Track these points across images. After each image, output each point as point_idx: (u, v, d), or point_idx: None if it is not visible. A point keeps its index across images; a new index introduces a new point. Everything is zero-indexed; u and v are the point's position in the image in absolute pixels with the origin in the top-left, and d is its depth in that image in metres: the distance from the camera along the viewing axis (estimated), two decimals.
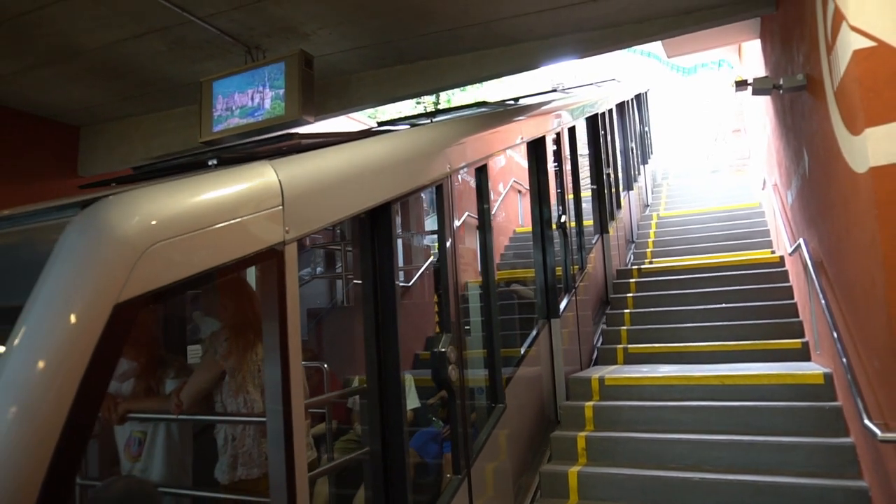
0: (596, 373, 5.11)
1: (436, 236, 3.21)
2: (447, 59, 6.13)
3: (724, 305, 6.17)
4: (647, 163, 11.52)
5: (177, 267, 1.62)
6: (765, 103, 6.91)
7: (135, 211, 1.59)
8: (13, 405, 1.27)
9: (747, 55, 8.56)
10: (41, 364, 1.32)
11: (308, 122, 5.47)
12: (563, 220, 5.28)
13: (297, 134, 2.79)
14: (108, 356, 1.42)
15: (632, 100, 10.60)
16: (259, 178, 1.99)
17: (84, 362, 1.36)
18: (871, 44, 2.79)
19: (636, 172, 10.05)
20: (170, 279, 1.58)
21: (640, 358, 5.73)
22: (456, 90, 13.88)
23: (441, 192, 3.20)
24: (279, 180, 2.02)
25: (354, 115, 10.14)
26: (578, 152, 6.47)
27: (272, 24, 5.36)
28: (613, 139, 8.61)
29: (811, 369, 4.50)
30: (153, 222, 1.60)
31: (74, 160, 7.91)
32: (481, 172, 3.83)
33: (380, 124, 3.58)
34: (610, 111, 8.48)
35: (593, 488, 4.01)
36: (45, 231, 1.65)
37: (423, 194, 2.88)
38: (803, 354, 5.17)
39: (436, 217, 3.22)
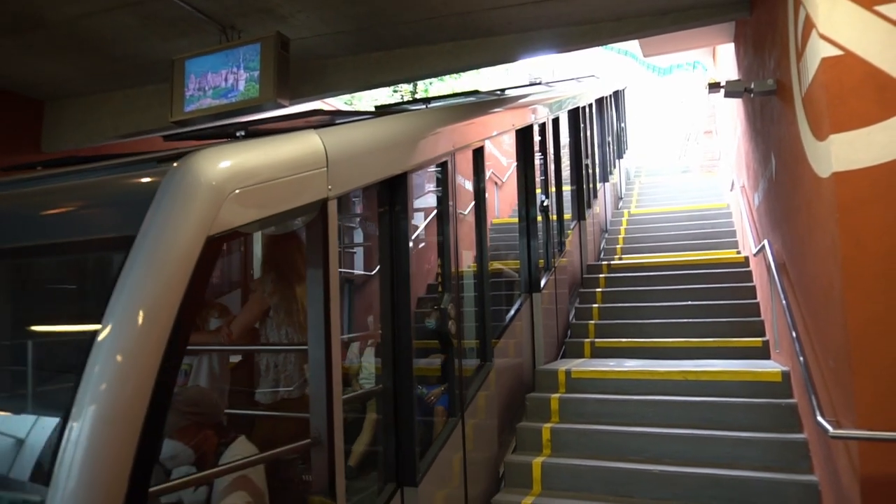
0: (563, 365, 5.18)
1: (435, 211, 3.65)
2: (426, 48, 6.10)
3: (689, 303, 6.30)
4: (622, 157, 11.98)
5: (251, 210, 2.03)
6: (736, 106, 7.05)
7: (221, 163, 1.99)
8: (136, 311, 1.67)
9: (721, 58, 8.71)
10: (154, 281, 1.71)
11: (282, 106, 5.39)
12: (545, 204, 5.72)
13: (321, 111, 3.21)
14: (202, 279, 1.80)
15: (610, 96, 10.98)
16: (309, 145, 2.41)
17: (185, 281, 1.74)
18: (838, 52, 2.86)
19: (612, 166, 10.49)
20: (247, 219, 2.00)
21: (607, 352, 5.82)
22: (433, 80, 13.86)
23: (445, 169, 3.67)
24: (324, 147, 2.44)
25: (329, 100, 10.03)
26: (560, 143, 6.81)
27: (249, 4, 5.25)
28: (592, 132, 8.96)
29: (770, 367, 4.63)
30: (235, 172, 2.01)
31: (38, 135, 7.66)
32: (478, 153, 4.29)
33: (377, 108, 3.94)
34: (590, 105, 8.80)
35: (557, 479, 4.08)
36: (145, 178, 2.04)
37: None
38: (763, 353, 5.32)
39: (434, 194, 3.67)
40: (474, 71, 6.63)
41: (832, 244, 2.90)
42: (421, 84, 14.74)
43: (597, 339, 6.02)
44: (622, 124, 12.44)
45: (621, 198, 11.52)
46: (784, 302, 3.99)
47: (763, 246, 4.98)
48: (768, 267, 4.64)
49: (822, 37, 2.91)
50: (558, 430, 4.43)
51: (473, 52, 5.95)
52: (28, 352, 2.27)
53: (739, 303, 6.13)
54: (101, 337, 1.64)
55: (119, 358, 1.62)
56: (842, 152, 2.81)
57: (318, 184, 2.35)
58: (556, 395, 4.75)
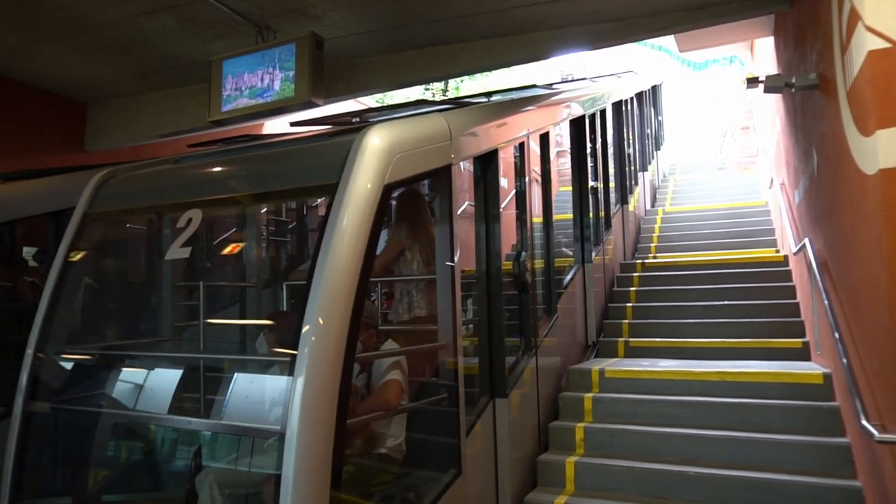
0: (596, 365, 5.13)
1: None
2: (458, 46, 6.10)
3: (726, 303, 6.17)
4: (659, 149, 12.52)
5: (407, 169, 2.85)
6: (775, 101, 6.88)
7: (389, 134, 2.82)
8: (343, 236, 2.46)
9: (759, 52, 8.50)
10: (353, 213, 2.52)
11: (317, 105, 5.46)
12: (595, 186, 6.31)
13: (427, 101, 4.05)
14: (381, 213, 2.61)
15: (648, 90, 11.43)
16: (439, 124, 3.22)
17: (372, 213, 2.55)
18: (886, 45, 2.77)
19: (651, 156, 11.10)
20: (404, 176, 2.84)
21: (641, 352, 5.75)
22: (464, 78, 13.85)
23: (522, 149, 4.37)
24: (448, 126, 3.23)
25: (362, 99, 10.10)
26: (606, 133, 7.35)
27: (284, 4, 5.33)
28: (633, 124, 9.49)
29: (811, 369, 4.51)
30: (397, 142, 2.82)
31: (81, 135, 7.90)
32: (544, 138, 4.92)
33: (446, 101, 4.47)
34: (630, 99, 9.29)
35: (590, 479, 4.04)
36: (339, 143, 2.88)
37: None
38: (803, 354, 5.18)
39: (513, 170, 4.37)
40: (505, 69, 6.61)
41: (878, 242, 2.82)
42: (451, 83, 14.76)
43: (631, 339, 5.95)
44: (659, 118, 12.92)
45: (658, 187, 11.51)
46: (826, 302, 3.89)
47: (804, 244, 4.85)
48: (809, 266, 4.52)
49: (869, 29, 2.82)
50: (592, 430, 4.39)
51: (506, 49, 5.94)
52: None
53: (778, 303, 5.98)
54: (323, 256, 2.43)
55: (335, 270, 2.41)
56: (889, 148, 2.72)
57: (445, 153, 3.17)
58: (590, 395, 4.71)
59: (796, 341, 5.31)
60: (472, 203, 3.72)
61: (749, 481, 3.68)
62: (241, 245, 4.71)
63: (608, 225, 7.05)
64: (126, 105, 7.71)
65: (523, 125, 4.40)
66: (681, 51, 8.08)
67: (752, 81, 5.09)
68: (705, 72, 17.07)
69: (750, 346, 5.40)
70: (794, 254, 5.60)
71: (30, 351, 3.22)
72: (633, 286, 7.02)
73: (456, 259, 3.16)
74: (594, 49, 6.00)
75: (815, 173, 4.43)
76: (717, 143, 15.64)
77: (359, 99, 9.20)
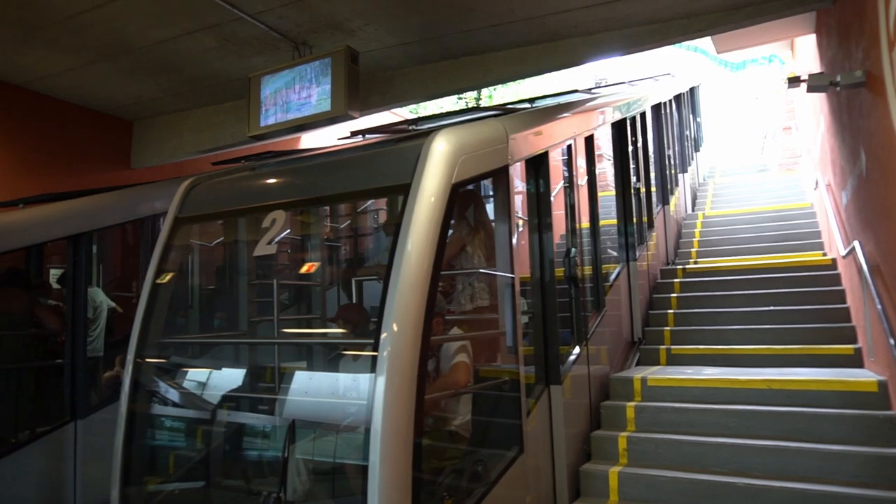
0: (638, 373, 5.04)
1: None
2: (491, 55, 6.12)
3: (771, 308, 6.00)
4: (698, 150, 12.60)
5: (470, 170, 3.08)
6: (819, 100, 6.69)
7: (454, 138, 3.05)
8: (418, 230, 2.70)
9: (801, 51, 8.29)
10: (425, 210, 2.76)
11: (353, 118, 5.53)
12: (637, 186, 6.46)
13: (480, 108, 4.46)
14: (450, 210, 2.86)
15: (686, 92, 11.55)
16: (497, 129, 3.46)
17: (442, 210, 2.79)
18: None
19: (690, 157, 11.17)
20: (468, 176, 3.07)
21: (684, 359, 5.62)
22: (497, 87, 13.86)
23: (570, 151, 4.56)
24: (505, 129, 3.47)
25: (397, 111, 10.20)
26: (647, 135, 7.51)
27: (319, 20, 5.44)
28: (672, 126, 9.59)
29: (864, 376, 4.35)
30: (462, 146, 3.05)
31: (128, 153, 8.17)
32: (588, 141, 5.08)
33: (492, 108, 4.47)
34: (669, 101, 9.36)
35: (634, 489, 3.96)
36: (410, 148, 3.14)
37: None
38: (856, 361, 5.00)
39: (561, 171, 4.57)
40: (538, 76, 6.60)
41: None
42: (485, 91, 14.78)
43: (673, 346, 5.83)
44: (697, 119, 13.03)
45: (697, 190, 11.33)
46: (879, 306, 3.74)
47: (853, 247, 4.70)
48: (860, 269, 4.36)
49: None
50: (635, 440, 4.30)
51: (539, 57, 5.93)
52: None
53: (827, 308, 5.79)
54: (400, 250, 2.69)
55: (411, 264, 2.65)
56: None
57: (503, 154, 3.40)
58: (632, 404, 4.63)
59: (847, 347, 5.12)
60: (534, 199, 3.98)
61: (801, 493, 3.55)
62: (321, 243, 5.27)
63: (650, 225, 7.17)
64: (169, 122, 7.95)
65: (570, 128, 4.62)
66: (718, 52, 7.93)
67: (794, 81, 4.96)
68: (743, 72, 16.71)
69: (798, 353, 5.23)
70: (843, 257, 5.42)
71: (130, 355, 3.56)
72: (673, 292, 6.89)
73: (514, 254, 3.41)
74: (628, 53, 5.94)
75: (864, 173, 4.28)
76: (757, 145, 15.27)
77: (393, 111, 9.31)
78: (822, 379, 4.35)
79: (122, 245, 6.52)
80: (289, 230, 3.87)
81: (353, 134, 3.99)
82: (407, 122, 3.96)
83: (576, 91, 5.97)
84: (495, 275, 3.62)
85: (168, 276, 3.74)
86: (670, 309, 6.56)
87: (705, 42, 12.00)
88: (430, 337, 2.66)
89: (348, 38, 5.69)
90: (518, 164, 3.63)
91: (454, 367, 3.37)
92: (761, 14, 5.18)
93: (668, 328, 6.18)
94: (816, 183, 7.64)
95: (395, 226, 2.81)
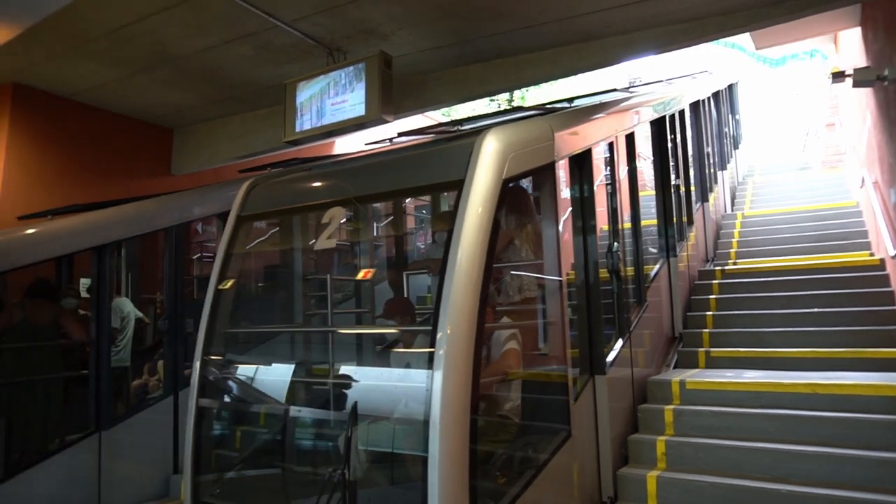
0: (676, 376, 4.95)
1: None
2: (524, 57, 6.11)
3: (815, 310, 5.82)
4: (737, 148, 12.37)
5: (519, 167, 3.20)
6: (865, 96, 6.48)
7: (504, 136, 3.17)
8: (473, 222, 2.85)
9: (845, 45, 8.04)
10: (478, 205, 2.90)
11: (386, 122, 5.59)
12: (677, 183, 6.48)
13: (521, 107, 4.51)
14: (501, 204, 3.00)
15: (725, 89, 11.34)
16: (543, 127, 3.56)
17: (494, 204, 2.93)
18: None
19: (729, 155, 11.04)
20: (517, 172, 3.19)
21: (724, 362, 5.49)
22: (530, 88, 13.79)
23: (611, 149, 4.65)
24: (550, 127, 3.57)
25: (429, 114, 10.25)
26: (686, 133, 7.49)
27: (353, 26, 5.51)
28: (710, 123, 9.55)
29: None
30: (511, 143, 3.17)
31: (168, 160, 8.41)
32: (629, 138, 5.14)
33: (523, 108, 4.54)
34: (707, 99, 9.31)
35: (673, 494, 3.88)
36: (463, 146, 3.22)
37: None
38: None
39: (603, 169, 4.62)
40: (571, 77, 6.58)
41: None
42: (517, 93, 14.74)
43: (712, 349, 5.70)
44: (736, 117, 12.81)
45: (736, 189, 11.08)
46: None
47: None
48: None
49: None
50: (673, 444, 4.22)
51: (572, 57, 5.90)
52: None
53: (875, 310, 5.58)
54: (455, 242, 2.83)
55: (466, 255, 2.80)
56: None
57: (549, 151, 3.50)
58: (671, 407, 4.54)
59: None
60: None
61: (848, 501, 3.43)
62: (371, 241, 5.55)
63: (690, 222, 7.17)
64: (207, 130, 8.15)
65: (611, 126, 4.68)
66: (757, 48, 7.76)
67: (838, 76, 4.83)
68: (783, 68, 16.30)
69: (844, 357, 5.06)
70: (893, 257, 5.23)
71: (199, 345, 3.75)
72: (712, 294, 6.74)
73: (560, 248, 3.55)
74: (664, 52, 5.87)
75: None
76: (799, 142, 14.85)
77: (426, 114, 9.35)
78: (870, 383, 4.20)
79: (149, 255, 6.61)
80: (345, 226, 4.17)
81: (401, 135, 4.17)
82: (452, 122, 4.12)
83: (614, 90, 5.97)
84: (542, 267, 3.74)
85: (231, 272, 3.94)
86: (709, 311, 6.42)
87: (743, 38, 11.76)
88: (483, 325, 2.78)
89: (382, 42, 5.75)
90: (563, 161, 3.72)
91: (505, 353, 3.48)
92: (802, 8, 5.05)
93: (706, 330, 6.05)
94: (863, 180, 7.40)
95: (450, 219, 2.96)
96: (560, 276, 3.52)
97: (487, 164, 3.01)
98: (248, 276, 4.53)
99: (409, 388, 3.35)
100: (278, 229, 4.90)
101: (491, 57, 6.19)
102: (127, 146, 7.79)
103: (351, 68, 5.59)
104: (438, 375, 2.62)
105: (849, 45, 7.42)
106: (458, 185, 2.99)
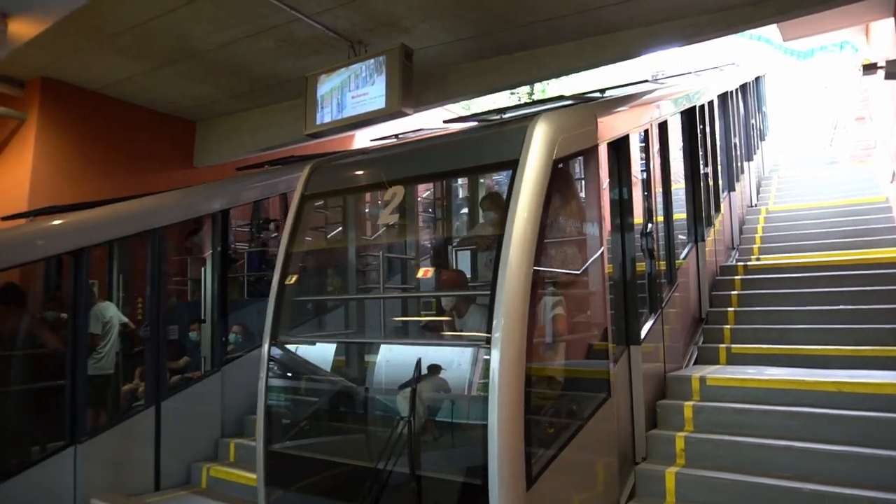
0: (696, 372, 4.89)
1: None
2: (546, 49, 6.06)
3: (841, 307, 5.71)
4: (764, 139, 12.49)
5: (567, 149, 3.51)
6: None
7: (554, 121, 3.45)
8: (527, 199, 3.17)
9: (876, 36, 7.85)
10: (532, 182, 3.21)
11: (406, 115, 5.59)
12: (706, 171, 6.68)
13: (565, 96, 4.75)
14: (552, 185, 3.28)
15: (752, 81, 11.51)
16: (587, 113, 3.91)
17: (546, 182, 3.23)
18: None
19: (755, 147, 11.17)
20: (565, 154, 3.49)
21: (745, 359, 5.41)
22: (551, 81, 13.68)
23: (647, 135, 4.90)
24: (594, 114, 3.89)
25: (449, 107, 10.23)
26: (714, 123, 7.67)
27: (375, 18, 5.51)
28: (738, 114, 9.65)
29: None
30: (561, 127, 3.46)
31: (190, 152, 8.52)
32: (662, 127, 5.34)
33: (561, 98, 4.82)
34: (735, 90, 9.48)
35: (692, 491, 3.85)
36: (517, 129, 3.51)
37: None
38: None
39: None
40: (594, 69, 6.53)
41: None
42: (538, 85, 14.63)
43: (733, 345, 5.62)
44: (763, 109, 12.91)
45: (760, 183, 10.98)
46: None
47: None
48: None
49: None
50: (693, 440, 4.18)
51: (595, 50, 5.83)
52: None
53: None
54: (511, 216, 3.15)
55: (521, 228, 3.11)
56: None
57: (593, 136, 3.80)
58: (690, 403, 4.50)
59: None
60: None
61: (873, 502, 3.38)
62: (420, 219, 5.97)
63: (717, 208, 7.37)
64: (229, 123, 8.23)
65: (646, 115, 4.95)
66: (785, 39, 7.61)
67: (870, 68, 4.72)
68: (811, 60, 15.96)
69: (871, 355, 4.95)
70: None
71: (270, 312, 4.07)
72: (734, 289, 6.65)
73: (603, 225, 3.82)
74: (689, 44, 5.78)
75: None
76: (827, 136, 14.54)
77: (446, 107, 9.33)
78: None
79: (133, 259, 6.34)
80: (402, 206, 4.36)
81: (446, 122, 4.51)
82: (496, 110, 4.51)
83: (645, 81, 6.22)
84: (585, 243, 3.95)
85: (297, 247, 4.28)
86: (731, 307, 6.33)
87: (770, 30, 11.54)
88: (536, 291, 3.10)
89: (403, 35, 5.75)
90: (604, 144, 3.97)
91: (553, 319, 3.69)
92: None
93: (728, 326, 5.97)
94: (893, 175, 7.23)
95: (497, 199, 3.35)
96: (602, 252, 3.79)
97: (540, 146, 3.31)
98: (312, 250, 4.98)
99: (471, 348, 3.85)
100: (338, 208, 5.29)
101: (512, 50, 6.15)
102: (151, 139, 7.91)
103: (372, 61, 5.60)
104: (498, 333, 2.96)
105: (881, 37, 7.24)
106: (513, 165, 3.28)
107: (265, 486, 3.84)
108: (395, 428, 3.30)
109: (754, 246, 8.22)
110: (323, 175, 4.42)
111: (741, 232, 8.64)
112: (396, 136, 5.46)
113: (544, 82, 14.29)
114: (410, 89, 5.47)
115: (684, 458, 4.15)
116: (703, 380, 4.68)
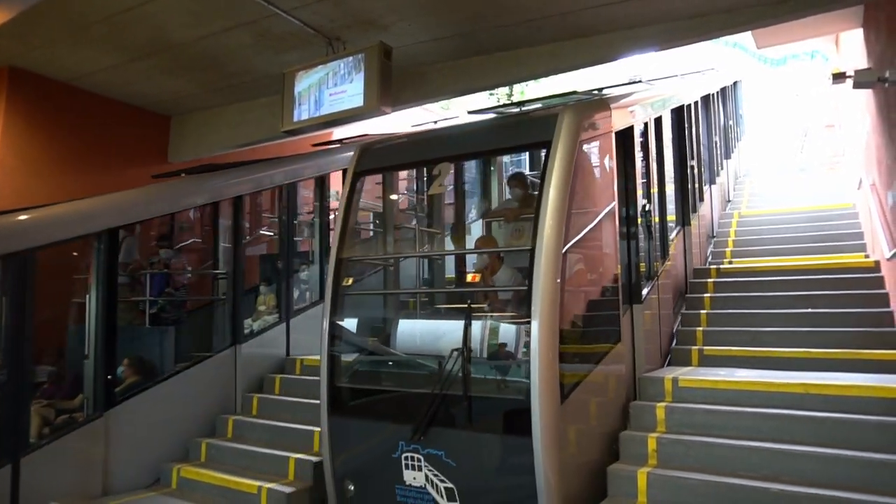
0: (669, 373, 4.95)
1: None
2: (525, 51, 6.08)
3: (810, 310, 5.83)
4: (740, 140, 13.31)
5: (590, 133, 4.31)
6: (864, 97, 6.48)
7: (579, 110, 4.29)
8: (559, 175, 3.95)
9: (846, 46, 8.04)
10: (562, 161, 3.99)
11: (385, 113, 5.56)
12: (691, 164, 7.41)
13: (575, 92, 5.55)
14: (578, 162, 4.09)
15: (730, 85, 12.33)
16: (602, 103, 4.68)
17: (573, 160, 4.01)
18: None
19: (733, 147, 11.99)
20: (589, 136, 4.27)
21: (716, 361, 5.49)
22: (530, 83, 13.73)
23: (646, 126, 5.56)
24: (609, 105, 4.66)
25: (428, 106, 10.21)
26: (699, 122, 8.44)
27: (353, 15, 5.47)
28: (718, 115, 10.53)
29: None
30: (584, 116, 4.25)
31: (165, 147, 8.37)
32: (658, 122, 5.99)
33: (573, 93, 5.53)
34: (716, 93, 10.32)
35: (663, 491, 3.89)
36: (549, 116, 4.26)
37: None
38: None
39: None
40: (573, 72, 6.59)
41: None
42: (517, 87, 14.67)
43: (705, 347, 5.70)
44: (740, 111, 13.78)
45: (734, 185, 11.34)
46: None
47: None
48: None
49: None
50: (665, 441, 4.23)
51: (573, 52, 5.87)
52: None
53: (869, 311, 5.60)
54: (547, 187, 3.92)
55: (555, 197, 3.88)
56: None
57: (608, 123, 4.56)
58: (663, 404, 4.55)
59: (891, 353, 4.94)
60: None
61: (839, 501, 3.45)
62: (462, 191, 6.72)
63: (701, 198, 8.12)
64: (206, 118, 8.11)
65: (647, 109, 5.70)
66: (759, 47, 7.75)
67: (839, 77, 4.82)
68: (784, 68, 16.28)
69: (838, 357, 5.06)
70: (888, 259, 5.25)
71: (331, 268, 4.80)
72: (707, 292, 6.75)
73: (615, 200, 4.59)
74: (665, 49, 5.85)
75: None
76: (797, 143, 14.84)
77: (425, 107, 9.30)
78: (863, 384, 4.21)
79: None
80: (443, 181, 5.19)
81: (470, 113, 5.14)
82: (515, 103, 5.28)
83: (640, 82, 6.90)
84: (600, 213, 4.56)
85: (351, 218, 4.96)
86: (703, 309, 6.43)
87: (745, 37, 11.73)
88: (567, 248, 3.91)
89: (382, 33, 5.71)
90: (615, 132, 4.68)
91: (575, 273, 4.30)
92: (807, 7, 5.03)
93: (700, 328, 6.06)
94: (860, 182, 7.41)
95: (542, 171, 4.04)
96: (615, 220, 4.56)
97: (569, 130, 4.08)
98: (363, 221, 5.91)
99: (516, 289, 4.72)
100: (380, 186, 5.86)
101: (492, 50, 6.16)
102: (124, 133, 7.75)
103: (350, 58, 5.55)
104: (538, 285, 3.74)
105: (850, 46, 7.41)
106: (547, 145, 4.08)
107: (328, 416, 4.56)
108: (450, 358, 4.06)
109: (727, 249, 8.35)
110: (371, 154, 5.03)
111: (719, 226, 9.13)
112: (435, 122, 6.17)
113: (523, 84, 14.35)
114: (389, 88, 5.44)
115: (656, 459, 4.20)
116: (675, 381, 4.74)
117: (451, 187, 6.33)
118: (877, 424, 3.89)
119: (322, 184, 7.44)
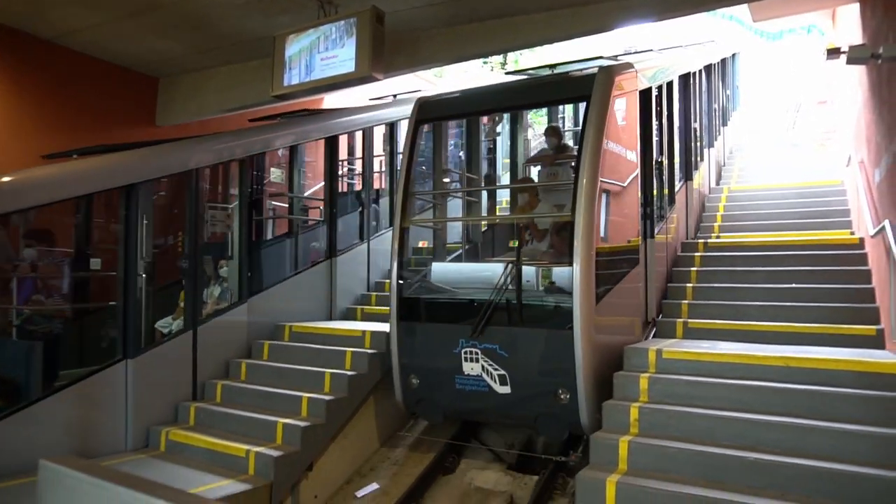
0: (653, 345, 5.03)
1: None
2: (520, 18, 5.99)
3: (793, 286, 5.92)
4: (735, 110, 13.73)
5: (622, 88, 5.21)
6: (858, 73, 6.46)
7: (612, 70, 5.18)
8: (594, 126, 4.87)
9: (842, 21, 7.98)
10: (598, 110, 4.90)
11: (376, 79, 5.49)
12: (694, 126, 8.37)
13: (601, 56, 7.02)
14: (612, 114, 5.00)
15: (729, 57, 12.85)
16: (628, 65, 5.49)
17: (608, 109, 4.94)
18: None
19: (728, 116, 12.56)
20: (620, 92, 5.18)
21: (701, 333, 5.59)
22: (524, 51, 13.58)
23: (660, 89, 6.26)
24: (635, 67, 5.50)
25: (420, 73, 10.07)
26: (701, 89, 9.24)
27: None
28: (718, 85, 11.18)
29: (886, 358, 4.29)
30: (616, 73, 5.13)
31: (153, 110, 8.23)
32: (669, 86, 6.86)
33: (599, 57, 6.85)
34: (717, 64, 10.96)
35: (644, 459, 4.00)
36: (587, 75, 5.20)
37: None
38: (877, 342, 4.93)
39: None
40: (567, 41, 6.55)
41: None
42: (511, 55, 14.50)
43: (690, 320, 5.79)
44: (736, 83, 14.20)
45: (724, 164, 11.30)
46: None
47: (883, 227, 4.59)
48: (888, 250, 4.27)
49: None
50: (647, 410, 4.32)
51: (568, 21, 5.80)
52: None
53: (851, 287, 5.69)
54: (587, 135, 4.80)
55: (593, 144, 4.77)
56: None
57: (635, 82, 5.42)
58: (646, 375, 4.63)
59: (870, 328, 5.05)
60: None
61: (813, 470, 3.56)
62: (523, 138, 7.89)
63: (701, 157, 9.09)
64: (194, 80, 7.96)
65: (664, 72, 6.45)
66: (755, 20, 7.69)
67: (833, 52, 4.79)
68: (780, 42, 16.17)
69: (818, 332, 5.17)
70: (872, 236, 5.30)
71: (397, 217, 5.63)
72: (694, 266, 6.82)
73: (637, 149, 5.50)
74: (661, 19, 5.80)
75: None
76: (790, 119, 14.83)
77: (417, 73, 9.18)
78: (841, 359, 4.30)
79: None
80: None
81: (508, 74, 6.15)
82: (547, 66, 6.63)
83: (651, 50, 8.02)
84: (627, 160, 5.32)
85: (414, 162, 5.66)
86: (689, 283, 6.50)
87: (741, 10, 11.61)
88: (602, 184, 4.76)
89: None
90: (638, 91, 5.43)
91: (608, 203, 5.02)
92: None
93: (686, 301, 6.14)
94: (849, 159, 7.44)
95: (583, 120, 4.87)
96: (639, 166, 5.49)
97: (605, 85, 4.90)
98: (423, 164, 6.58)
99: (551, 224, 5.78)
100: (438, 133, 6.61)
101: (486, 17, 6.06)
102: (110, 94, 7.60)
103: (342, 23, 5.45)
104: (579, 219, 4.61)
105: (846, 22, 7.36)
106: (587, 98, 4.92)
107: (397, 322, 5.42)
108: (505, 270, 4.96)
109: (715, 224, 8.40)
110: (430, 106, 5.75)
111: (717, 181, 10.23)
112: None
113: (517, 53, 14.18)
114: (381, 53, 5.36)
115: (637, 428, 4.29)
116: (659, 353, 4.81)
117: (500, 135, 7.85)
118: (853, 397, 3.99)
119: (392, 132, 8.46)
